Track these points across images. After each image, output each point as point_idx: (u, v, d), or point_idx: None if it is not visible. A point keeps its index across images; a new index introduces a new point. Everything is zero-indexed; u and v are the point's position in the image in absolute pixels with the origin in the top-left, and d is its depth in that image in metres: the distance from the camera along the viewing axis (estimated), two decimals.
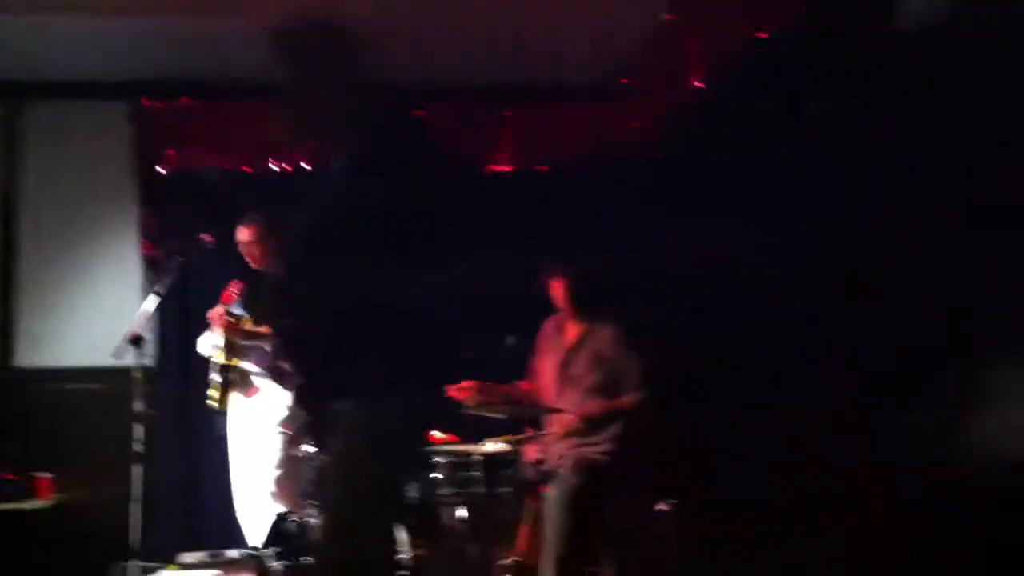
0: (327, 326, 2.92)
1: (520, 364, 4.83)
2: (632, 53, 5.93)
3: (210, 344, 5.85)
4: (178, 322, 6.56)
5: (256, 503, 5.72)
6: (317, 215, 3.04)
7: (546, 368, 5.13)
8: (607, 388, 4.88)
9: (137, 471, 5.29)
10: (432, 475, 4.68)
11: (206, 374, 6.27)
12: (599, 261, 5.18)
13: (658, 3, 5.36)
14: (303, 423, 3.09)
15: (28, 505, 5.95)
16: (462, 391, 4.96)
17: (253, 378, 5.75)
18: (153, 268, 6.45)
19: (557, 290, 5.06)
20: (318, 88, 3.01)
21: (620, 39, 5.82)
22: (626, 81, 6.18)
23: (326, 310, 2.91)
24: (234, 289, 5.71)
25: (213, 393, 5.73)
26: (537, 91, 6.83)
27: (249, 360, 5.68)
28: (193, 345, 6.35)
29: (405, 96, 6.07)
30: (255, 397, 5.76)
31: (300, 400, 3.06)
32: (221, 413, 5.84)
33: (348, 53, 3.04)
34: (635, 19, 5.52)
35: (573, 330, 5.05)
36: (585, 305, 5.04)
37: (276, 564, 4.69)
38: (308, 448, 4.35)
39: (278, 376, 5.39)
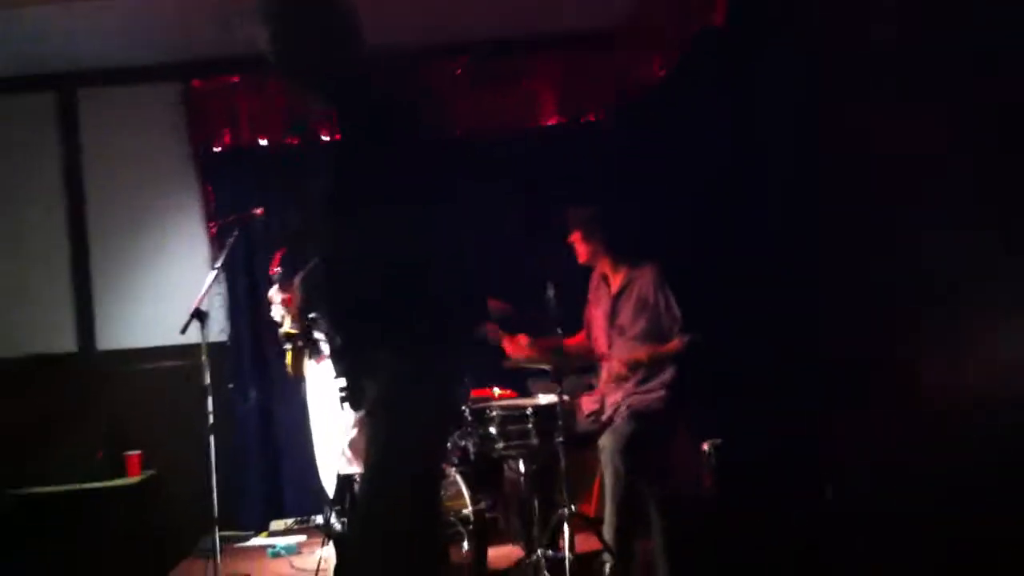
0: (357, 277, 2.93)
1: (564, 317, 4.82)
2: None
3: (278, 313, 5.97)
4: (246, 294, 6.72)
5: (336, 467, 5.85)
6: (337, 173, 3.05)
7: (596, 319, 5.16)
8: (654, 334, 4.88)
9: (213, 443, 5.49)
10: (488, 429, 4.76)
11: (279, 343, 6.51)
12: (626, 208, 5.15)
13: None
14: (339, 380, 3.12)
15: (120, 482, 6.17)
16: (514, 344, 5.04)
17: (322, 345, 5.87)
18: (216, 244, 6.59)
19: (578, 244, 5.07)
20: (309, 52, 2.99)
21: None
22: (635, 24, 6.04)
23: (355, 262, 2.92)
24: (278, 259, 5.81)
25: (287, 360, 5.85)
26: (546, 41, 6.80)
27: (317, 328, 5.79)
28: (261, 315, 6.58)
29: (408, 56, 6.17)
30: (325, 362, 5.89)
31: (333, 355, 3.09)
32: (298, 379, 5.97)
33: (339, 14, 3.01)
34: None
35: (616, 279, 5.05)
36: (621, 252, 5.03)
37: (339, 526, 4.82)
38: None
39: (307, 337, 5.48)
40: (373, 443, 2.96)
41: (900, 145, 3.71)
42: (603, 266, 5.10)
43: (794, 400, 4.49)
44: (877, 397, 3.89)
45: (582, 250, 5.09)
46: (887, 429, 3.78)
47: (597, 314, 5.13)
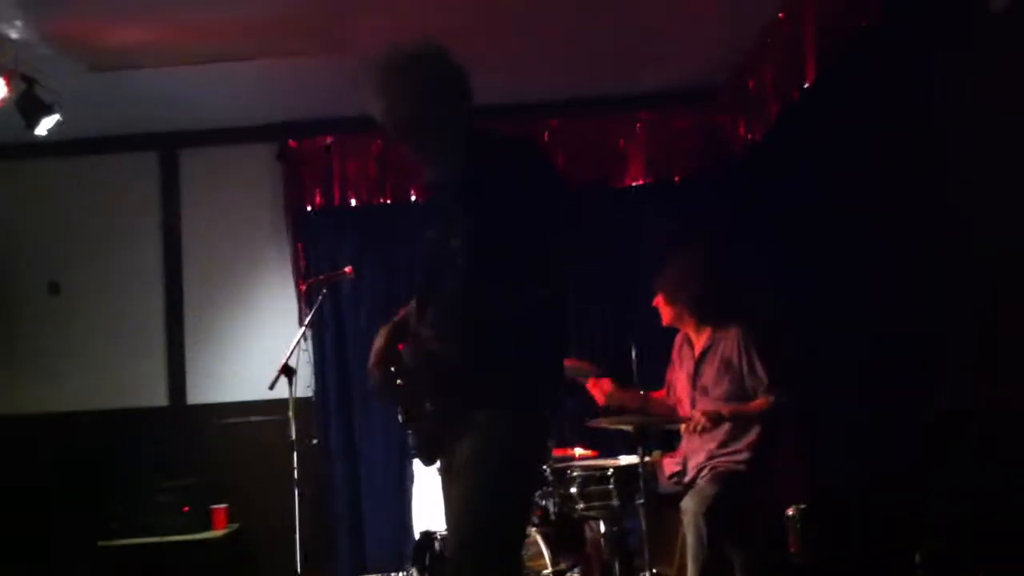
0: (454, 334, 2.97)
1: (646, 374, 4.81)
2: (742, 54, 5.85)
3: None
4: (333, 351, 6.80)
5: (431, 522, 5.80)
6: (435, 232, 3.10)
7: (678, 380, 5.12)
8: (738, 395, 4.82)
9: (298, 498, 5.54)
10: (569, 490, 4.74)
11: (365, 400, 6.57)
12: (713, 270, 5.10)
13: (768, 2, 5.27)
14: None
15: (206, 535, 6.24)
16: (601, 388, 4.99)
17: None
18: (306, 302, 6.69)
19: (662, 306, 5.05)
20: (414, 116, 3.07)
21: (730, 41, 5.77)
22: (737, 84, 6.08)
23: (453, 320, 2.96)
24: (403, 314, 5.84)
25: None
26: (647, 102, 6.85)
27: None
28: (349, 372, 6.67)
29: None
30: None
31: (408, 410, 3.10)
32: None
33: (442, 77, 3.09)
34: (745, 20, 5.46)
35: (700, 340, 5.02)
36: (704, 314, 4.99)
37: None
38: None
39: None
40: (463, 503, 2.96)
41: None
42: (687, 327, 5.08)
43: (882, 464, 4.40)
44: (967, 459, 3.79)
45: (666, 312, 5.07)
46: (979, 493, 3.68)
47: (680, 375, 5.10)
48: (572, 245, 2.97)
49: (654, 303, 5.11)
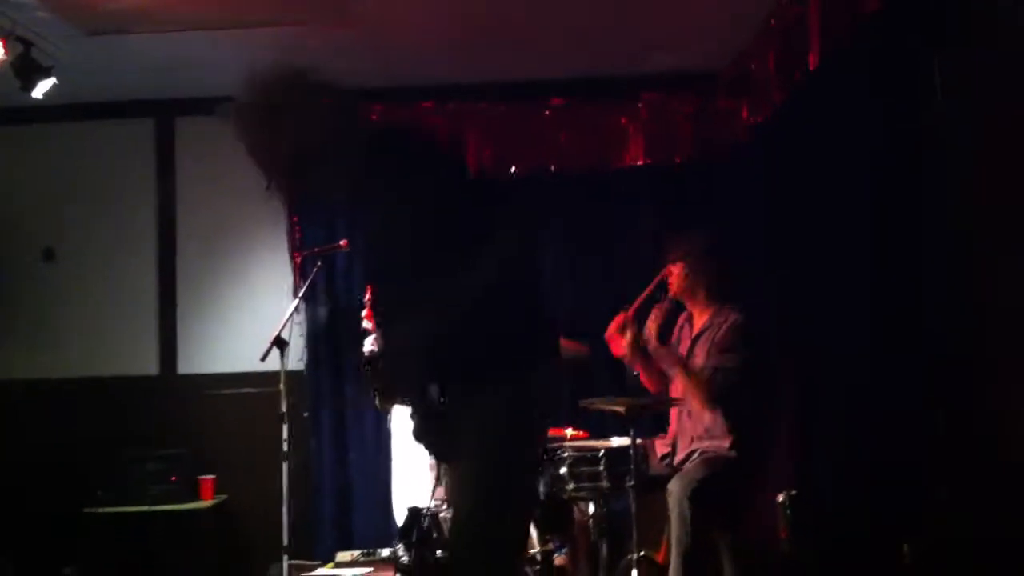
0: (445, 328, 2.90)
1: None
2: (746, 37, 5.80)
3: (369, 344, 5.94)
4: (326, 324, 6.76)
5: (413, 500, 5.79)
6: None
7: None
8: None
9: (287, 471, 5.53)
10: (559, 470, 4.72)
11: (357, 373, 6.53)
12: (724, 251, 5.05)
13: None
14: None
15: (192, 505, 6.24)
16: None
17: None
18: (300, 274, 6.66)
19: (681, 273, 4.95)
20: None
21: (733, 25, 5.73)
22: (740, 67, 6.03)
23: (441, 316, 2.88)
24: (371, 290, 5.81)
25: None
26: (649, 84, 6.80)
27: None
28: (340, 346, 6.63)
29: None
30: None
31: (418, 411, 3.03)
32: (386, 412, 5.92)
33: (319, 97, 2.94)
34: (749, 3, 5.41)
35: (701, 319, 4.96)
36: (719, 291, 4.93)
37: (406, 558, 4.77)
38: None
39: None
40: (470, 488, 2.91)
41: None
42: (695, 303, 4.98)
43: (874, 455, 4.37)
44: (959, 454, 3.77)
45: (681, 282, 4.95)
46: (969, 488, 3.66)
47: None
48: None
49: (667, 271, 4.99)
